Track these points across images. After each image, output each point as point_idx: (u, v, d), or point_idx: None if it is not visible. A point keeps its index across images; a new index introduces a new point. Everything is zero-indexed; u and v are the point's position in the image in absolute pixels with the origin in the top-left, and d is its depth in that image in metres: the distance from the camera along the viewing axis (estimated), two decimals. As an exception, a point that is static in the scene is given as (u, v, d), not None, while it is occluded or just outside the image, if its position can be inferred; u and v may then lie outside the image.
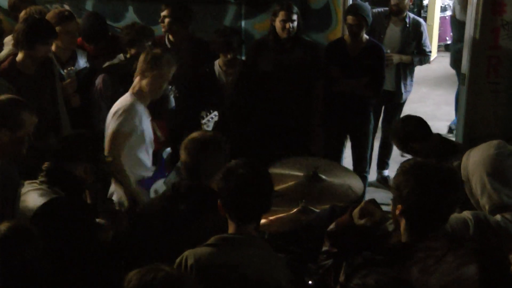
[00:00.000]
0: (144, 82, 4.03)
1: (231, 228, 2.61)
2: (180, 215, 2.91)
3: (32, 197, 3.05)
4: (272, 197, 2.64)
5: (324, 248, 2.63)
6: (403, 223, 2.49)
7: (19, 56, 4.25)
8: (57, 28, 4.53)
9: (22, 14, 4.91)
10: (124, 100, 4.06)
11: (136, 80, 4.08)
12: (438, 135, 4.03)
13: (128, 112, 3.98)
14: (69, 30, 4.64)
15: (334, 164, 4.33)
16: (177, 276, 2.14)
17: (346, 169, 4.43)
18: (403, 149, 4.12)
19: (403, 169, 2.52)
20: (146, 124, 4.09)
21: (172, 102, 4.78)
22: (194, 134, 3.12)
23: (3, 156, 3.15)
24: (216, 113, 4.20)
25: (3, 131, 3.10)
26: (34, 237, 2.48)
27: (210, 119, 4.17)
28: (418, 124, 3.98)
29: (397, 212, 2.48)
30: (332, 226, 2.66)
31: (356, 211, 2.65)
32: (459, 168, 3.65)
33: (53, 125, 4.43)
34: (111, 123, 4.01)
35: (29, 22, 4.21)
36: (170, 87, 4.68)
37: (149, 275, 2.07)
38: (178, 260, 2.56)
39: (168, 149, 4.39)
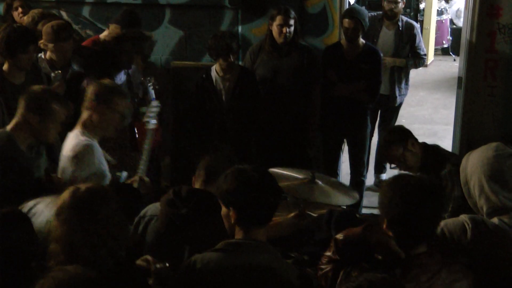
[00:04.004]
0: (94, 116, 3.64)
1: (239, 234, 2.56)
2: (181, 218, 2.89)
3: None
4: (278, 201, 2.61)
5: (328, 253, 2.61)
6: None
7: (5, 66, 4.27)
8: (51, 45, 4.55)
9: (27, 18, 4.94)
10: (77, 144, 3.58)
11: (85, 113, 3.67)
12: (425, 145, 3.96)
13: (85, 158, 3.56)
14: (61, 50, 4.61)
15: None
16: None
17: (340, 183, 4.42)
18: (386, 159, 4.08)
19: (385, 183, 2.55)
20: (104, 161, 3.71)
21: (153, 94, 4.59)
22: None
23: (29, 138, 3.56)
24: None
25: (30, 115, 3.48)
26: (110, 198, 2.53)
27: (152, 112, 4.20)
28: (394, 130, 4.03)
29: (384, 226, 2.49)
30: (340, 235, 2.62)
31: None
32: (446, 177, 3.69)
33: None
34: (67, 167, 3.57)
35: (7, 32, 4.20)
36: (148, 78, 4.63)
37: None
38: (185, 264, 2.54)
39: (124, 174, 4.02)
